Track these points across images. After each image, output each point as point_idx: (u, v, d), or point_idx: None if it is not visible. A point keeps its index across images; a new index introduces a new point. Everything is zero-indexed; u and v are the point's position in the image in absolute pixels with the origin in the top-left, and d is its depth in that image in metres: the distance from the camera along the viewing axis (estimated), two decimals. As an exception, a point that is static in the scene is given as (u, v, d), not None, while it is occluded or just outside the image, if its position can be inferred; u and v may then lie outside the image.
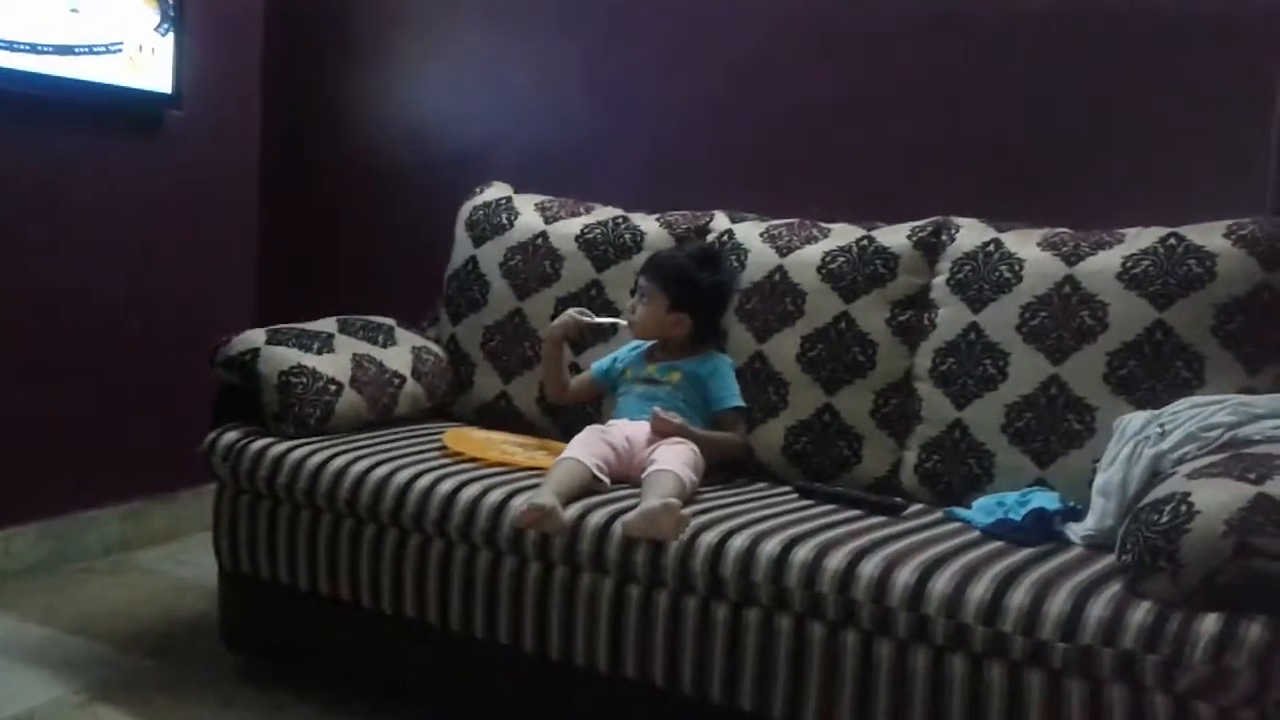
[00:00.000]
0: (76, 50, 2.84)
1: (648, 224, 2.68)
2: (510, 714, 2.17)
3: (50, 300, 2.92)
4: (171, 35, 3.04)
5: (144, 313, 3.13)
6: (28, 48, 2.73)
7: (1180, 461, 1.84)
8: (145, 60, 2.99)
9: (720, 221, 2.64)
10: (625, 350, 2.49)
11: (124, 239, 3.08)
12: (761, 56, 2.83)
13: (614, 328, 2.54)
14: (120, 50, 2.93)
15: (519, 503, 2.02)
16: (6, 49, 2.69)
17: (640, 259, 2.57)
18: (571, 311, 2.50)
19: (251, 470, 2.29)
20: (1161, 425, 1.92)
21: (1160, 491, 1.71)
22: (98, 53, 2.89)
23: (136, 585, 2.91)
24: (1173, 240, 2.15)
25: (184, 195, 3.23)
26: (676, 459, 2.14)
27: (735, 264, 2.51)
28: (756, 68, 2.83)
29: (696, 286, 2.39)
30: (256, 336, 2.46)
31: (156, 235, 3.16)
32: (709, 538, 1.90)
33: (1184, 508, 1.62)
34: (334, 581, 2.23)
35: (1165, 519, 1.62)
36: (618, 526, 1.96)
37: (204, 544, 2.55)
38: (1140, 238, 2.20)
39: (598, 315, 2.53)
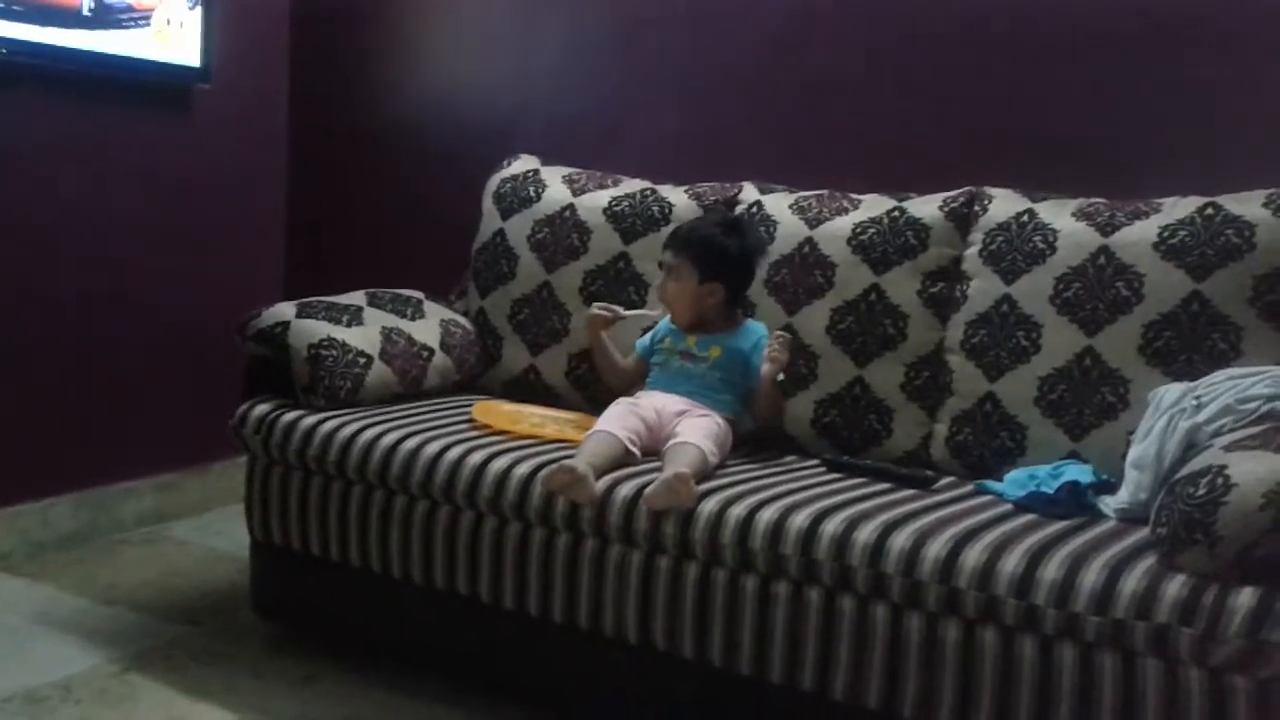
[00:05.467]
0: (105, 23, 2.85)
1: (676, 196, 2.67)
2: (539, 684, 2.17)
3: (81, 273, 2.93)
4: (200, 8, 3.04)
5: (174, 286, 3.15)
6: (59, 20, 2.74)
7: (1217, 434, 1.82)
8: (174, 33, 3.00)
9: (749, 193, 2.62)
10: (666, 323, 2.45)
11: (153, 212, 3.09)
12: (791, 26, 2.79)
13: (645, 318, 2.47)
14: (148, 24, 2.93)
15: (551, 468, 2.03)
16: (38, 23, 2.69)
17: (668, 231, 2.54)
18: (595, 307, 2.45)
19: (283, 442, 2.31)
20: (1198, 397, 1.90)
21: (1197, 464, 1.69)
22: (126, 26, 2.89)
23: (170, 556, 2.94)
24: (1210, 210, 2.12)
25: (212, 169, 3.24)
26: (699, 431, 2.14)
27: (764, 234, 2.49)
28: (786, 37, 2.80)
29: (726, 254, 2.35)
30: (286, 310, 2.47)
31: (185, 208, 3.17)
32: (738, 511, 1.90)
33: (1221, 480, 1.60)
34: (364, 552, 2.24)
35: (1202, 492, 1.60)
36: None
37: (235, 516, 2.57)
38: (1177, 207, 2.17)
39: (627, 302, 2.52)
